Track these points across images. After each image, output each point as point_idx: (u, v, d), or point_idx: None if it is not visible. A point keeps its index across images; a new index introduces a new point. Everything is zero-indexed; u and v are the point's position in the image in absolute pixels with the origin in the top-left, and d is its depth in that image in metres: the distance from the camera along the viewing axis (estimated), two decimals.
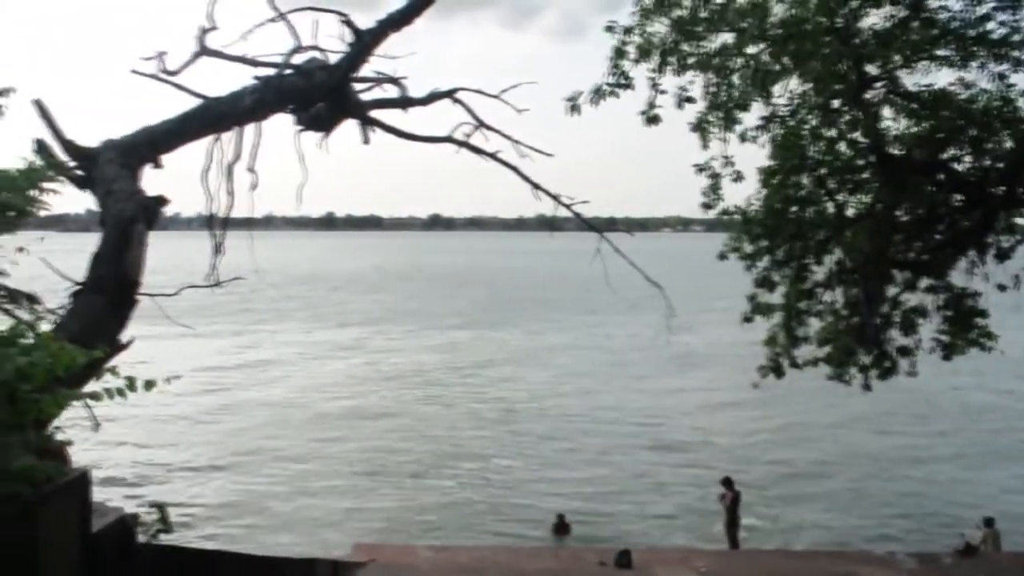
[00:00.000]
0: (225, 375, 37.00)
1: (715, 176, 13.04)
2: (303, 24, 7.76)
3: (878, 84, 12.48)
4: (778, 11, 11.76)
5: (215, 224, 7.60)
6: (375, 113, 8.32)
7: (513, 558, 15.34)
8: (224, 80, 7.75)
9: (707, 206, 13.46)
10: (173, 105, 7.39)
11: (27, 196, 6.09)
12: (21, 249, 6.65)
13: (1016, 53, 11.42)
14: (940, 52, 11.91)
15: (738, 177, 13.00)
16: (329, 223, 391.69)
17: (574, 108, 11.13)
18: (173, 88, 7.50)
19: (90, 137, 6.99)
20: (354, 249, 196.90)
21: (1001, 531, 16.72)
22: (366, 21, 7.81)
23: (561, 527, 18.47)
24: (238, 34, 7.68)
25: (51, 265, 6.34)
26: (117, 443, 22.85)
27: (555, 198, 8.30)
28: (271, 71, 7.65)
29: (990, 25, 11.58)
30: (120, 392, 4.10)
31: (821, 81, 12.11)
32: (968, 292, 13.42)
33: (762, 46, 11.77)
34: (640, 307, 44.12)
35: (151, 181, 7.03)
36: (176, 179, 7.59)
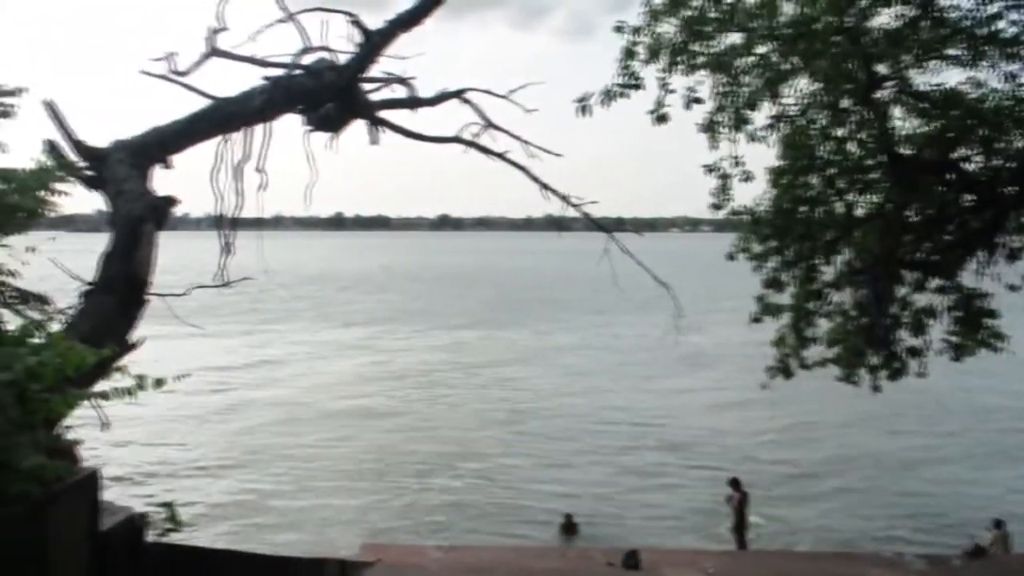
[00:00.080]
0: (234, 374, 37.11)
1: (724, 177, 13.02)
2: (312, 25, 7.78)
3: (888, 84, 12.43)
4: (788, 10, 11.72)
5: (224, 224, 7.61)
6: (384, 113, 8.33)
7: (521, 558, 15.34)
8: (233, 81, 7.77)
9: (716, 207, 13.44)
10: (183, 105, 7.42)
11: (37, 197, 6.12)
12: (31, 249, 6.68)
13: None
14: (950, 51, 11.85)
15: (747, 177, 12.98)
16: (338, 223, 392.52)
17: (584, 109, 11.13)
18: (183, 88, 7.52)
19: (100, 137, 7.02)
20: (362, 249, 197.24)
21: (1011, 533, 16.65)
22: (375, 21, 7.82)
23: (569, 527, 18.46)
24: (247, 35, 7.70)
25: (61, 265, 6.37)
26: (125, 442, 22.92)
27: (563, 198, 8.29)
28: (280, 71, 7.67)
29: (1001, 24, 11.52)
30: (129, 392, 4.12)
31: (830, 81, 12.07)
32: (978, 293, 13.35)
33: (771, 46, 11.74)
34: (648, 307, 44.19)
35: (161, 181, 7.05)
36: (185, 179, 7.61)
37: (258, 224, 8.71)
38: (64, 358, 3.93)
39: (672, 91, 11.52)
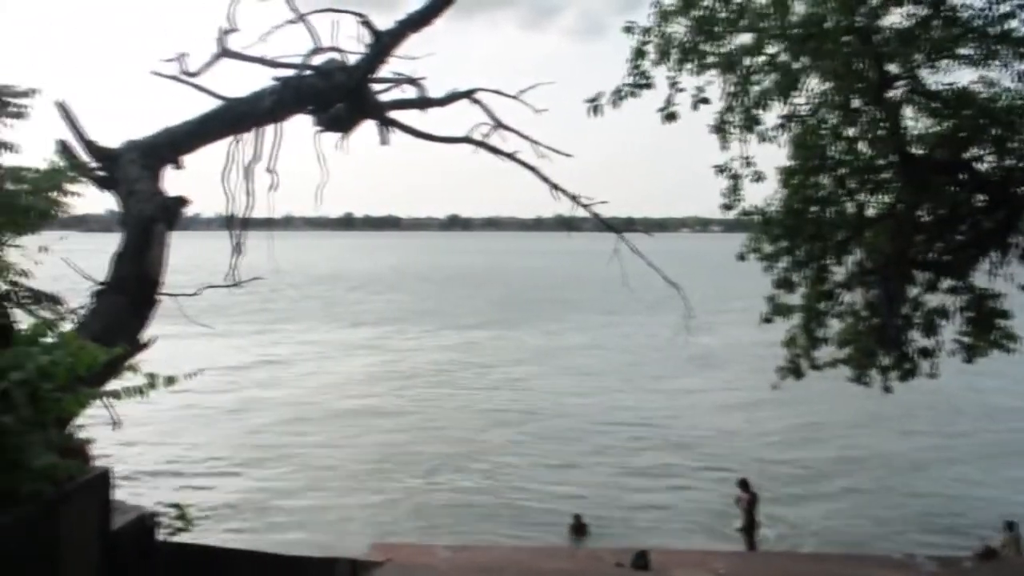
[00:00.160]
0: (243, 374, 37.23)
1: (735, 177, 13.00)
2: (322, 25, 7.80)
3: (899, 83, 12.38)
4: (798, 10, 11.69)
5: (235, 224, 7.64)
6: (394, 114, 8.34)
7: (530, 558, 15.35)
8: (244, 81, 7.79)
9: (727, 207, 13.41)
10: (194, 106, 7.45)
11: (50, 198, 6.15)
12: (44, 249, 6.71)
13: None
14: (962, 51, 11.80)
15: (758, 178, 12.95)
16: (348, 223, 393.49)
17: (595, 109, 11.12)
18: (193, 89, 7.55)
19: (112, 138, 7.05)
20: (372, 249, 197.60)
21: (1023, 535, 16.55)
22: (385, 22, 7.83)
23: (578, 528, 18.45)
24: (258, 35, 7.72)
25: (73, 265, 6.40)
26: (135, 441, 22.97)
27: (573, 198, 8.28)
28: (290, 72, 7.69)
29: (1013, 23, 11.46)
30: (140, 391, 4.13)
31: (841, 80, 12.03)
32: (990, 293, 13.29)
33: (782, 45, 11.71)
34: (658, 308, 44.10)
35: (172, 182, 7.08)
36: (196, 180, 7.63)
37: (268, 224, 8.73)
38: (76, 357, 3.95)
39: (682, 90, 11.52)
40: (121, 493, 4.98)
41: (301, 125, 7.99)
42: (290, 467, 23.55)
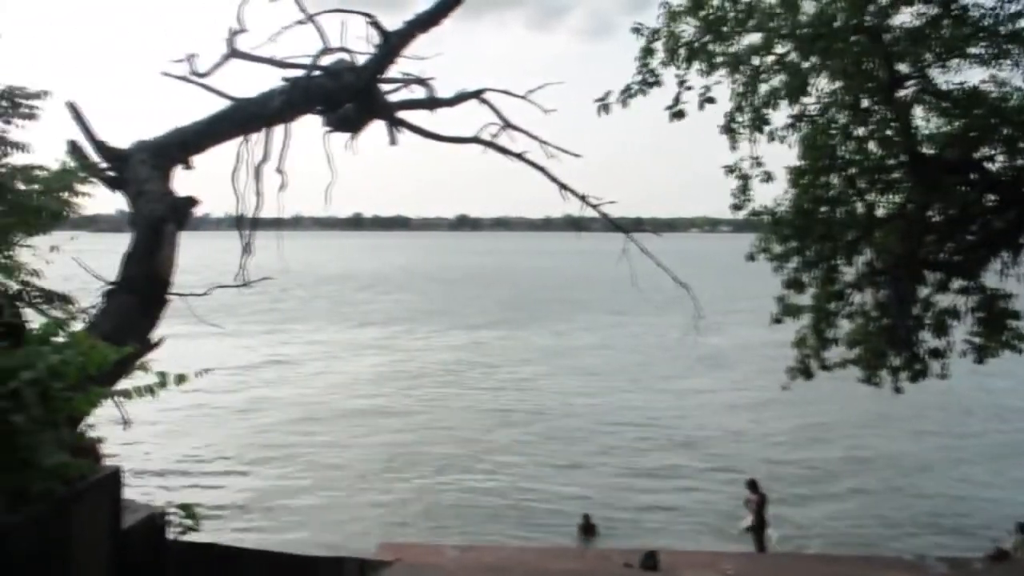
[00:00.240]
0: (252, 373, 37.34)
1: (744, 177, 12.98)
2: (331, 26, 7.80)
3: (910, 82, 12.35)
4: (808, 9, 11.67)
5: (244, 224, 7.65)
6: (402, 114, 8.34)
7: (539, 558, 15.35)
8: (253, 82, 7.81)
9: (736, 207, 13.40)
10: (203, 107, 7.46)
11: (61, 198, 6.17)
12: (54, 248, 6.75)
13: None
14: (972, 50, 11.76)
15: (768, 178, 12.93)
16: (357, 223, 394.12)
17: (604, 108, 11.11)
18: (203, 90, 7.57)
19: (122, 138, 7.08)
20: (381, 249, 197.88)
21: None
22: (394, 22, 7.84)
23: (587, 528, 18.43)
24: (267, 36, 7.73)
25: (84, 265, 6.42)
26: (144, 439, 23.07)
27: (582, 198, 8.27)
28: (299, 72, 7.70)
29: (1023, 23, 11.42)
30: (151, 389, 4.14)
31: (851, 79, 12.01)
32: (1001, 293, 13.23)
33: (791, 45, 11.70)
34: (667, 308, 44.03)
35: (182, 182, 7.10)
36: (206, 180, 7.65)
37: (277, 224, 8.75)
38: (87, 356, 3.96)
39: (689, 88, 11.49)
40: (130, 492, 5.00)
41: (310, 125, 8.01)
42: (298, 466, 23.60)
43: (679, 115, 11.32)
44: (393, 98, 8.31)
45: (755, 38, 11.93)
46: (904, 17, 12.03)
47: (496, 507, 20.42)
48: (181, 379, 4.17)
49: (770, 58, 11.90)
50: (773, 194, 13.76)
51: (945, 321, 13.50)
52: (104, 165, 6.83)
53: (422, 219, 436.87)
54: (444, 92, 8.31)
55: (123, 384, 4.78)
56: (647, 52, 11.59)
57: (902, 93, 12.47)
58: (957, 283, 13.47)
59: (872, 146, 13.12)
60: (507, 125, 8.19)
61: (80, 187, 6.32)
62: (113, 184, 6.86)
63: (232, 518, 19.15)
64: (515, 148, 8.20)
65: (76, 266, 6.51)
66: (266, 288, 9.41)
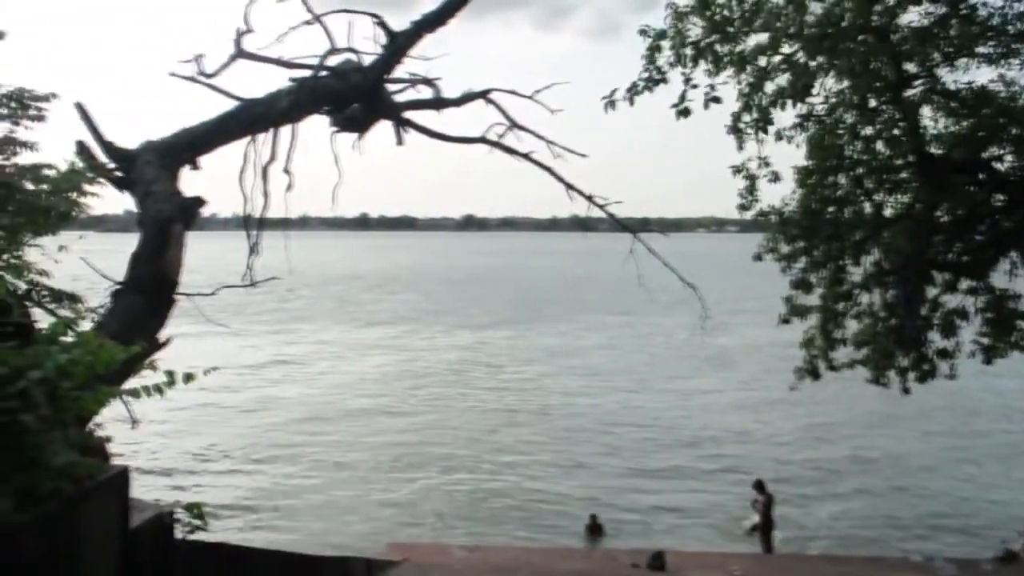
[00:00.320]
0: (259, 372, 37.43)
1: (751, 177, 12.95)
2: (338, 26, 7.82)
3: (917, 82, 12.32)
4: (816, 9, 11.64)
5: (251, 224, 7.67)
6: (409, 114, 8.35)
7: (546, 559, 15.34)
8: (260, 82, 7.83)
9: (743, 207, 13.37)
10: (210, 107, 7.48)
11: (69, 199, 6.20)
12: (62, 248, 6.77)
13: None
14: (980, 49, 11.72)
15: (775, 178, 12.90)
16: (363, 223, 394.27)
17: (611, 104, 11.08)
18: (210, 90, 7.58)
19: (129, 139, 7.10)
20: (388, 249, 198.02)
21: None
22: (400, 23, 7.84)
23: (594, 528, 18.42)
24: (274, 37, 7.75)
25: (92, 265, 6.44)
26: (151, 438, 23.16)
27: (589, 198, 8.27)
28: (306, 73, 7.71)
29: None
30: (158, 389, 4.15)
31: (858, 79, 11.98)
32: (1010, 294, 13.19)
33: (798, 44, 11.67)
34: (674, 308, 44.02)
35: (189, 182, 7.12)
36: (213, 180, 7.68)
37: (284, 224, 8.77)
38: (95, 356, 3.97)
39: (695, 86, 11.46)
40: (138, 491, 5.01)
41: (317, 126, 8.02)
42: (304, 466, 23.63)
43: (685, 113, 11.27)
44: (400, 98, 8.32)
45: (762, 38, 11.90)
46: (912, 16, 12.01)
47: (503, 507, 20.42)
48: (189, 378, 4.18)
49: (777, 58, 11.87)
50: (780, 194, 13.75)
51: (953, 321, 13.47)
52: (112, 165, 6.85)
53: (429, 219, 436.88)
54: (450, 92, 8.32)
55: (131, 383, 4.79)
56: (654, 49, 11.55)
57: (910, 93, 12.44)
58: (965, 283, 13.44)
59: (880, 146, 13.09)
60: (514, 125, 8.19)
61: (88, 187, 6.34)
62: (121, 184, 6.89)
63: (239, 517, 19.20)
64: (522, 148, 8.21)
65: (84, 266, 6.53)
66: (273, 288, 9.43)
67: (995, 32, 11.56)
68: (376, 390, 34.31)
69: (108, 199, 6.82)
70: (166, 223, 6.41)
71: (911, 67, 12.26)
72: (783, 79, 12.00)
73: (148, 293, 6.22)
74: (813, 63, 11.77)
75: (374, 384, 35.69)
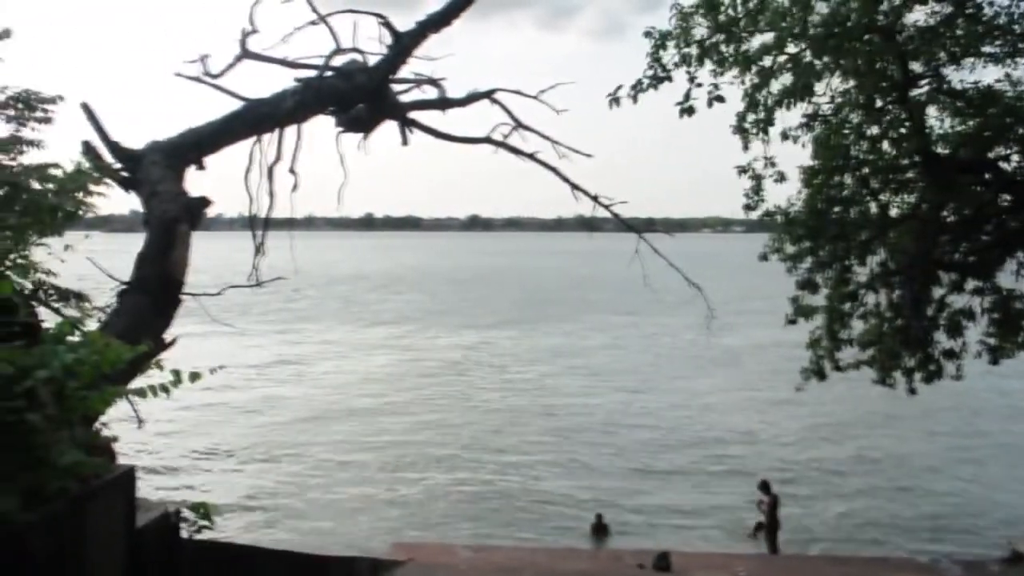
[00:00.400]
0: (265, 372, 37.49)
1: (757, 177, 12.93)
2: (343, 26, 7.82)
3: (923, 81, 12.29)
4: (821, 9, 11.62)
5: (256, 225, 7.67)
6: (414, 114, 8.36)
7: (551, 559, 15.32)
8: (265, 83, 7.83)
9: (749, 207, 13.34)
10: (215, 108, 7.49)
11: (76, 198, 6.21)
12: (68, 247, 6.79)
13: None
14: (987, 48, 11.69)
15: (780, 178, 12.88)
16: (369, 224, 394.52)
17: (615, 101, 11.05)
18: (216, 91, 7.59)
19: (135, 139, 7.11)
20: (393, 249, 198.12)
21: None
22: (405, 23, 7.85)
23: (600, 528, 18.41)
24: (279, 37, 7.76)
25: (98, 264, 6.46)
26: (156, 437, 23.21)
27: (594, 199, 8.26)
28: (312, 73, 7.72)
29: None
30: (164, 388, 4.15)
31: (864, 78, 11.95)
32: (1016, 294, 13.15)
33: (803, 45, 11.64)
34: (679, 308, 43.94)
35: (194, 182, 7.13)
36: (219, 180, 7.68)
37: (290, 224, 8.77)
38: (101, 355, 3.98)
39: (699, 85, 11.43)
40: (143, 490, 5.02)
41: (322, 126, 8.03)
42: (309, 465, 23.66)
43: (689, 111, 11.23)
44: (405, 98, 8.33)
45: (767, 37, 11.88)
46: (918, 16, 11.98)
47: (508, 507, 20.42)
48: (195, 377, 4.19)
49: (782, 57, 11.85)
50: (786, 194, 13.72)
51: (960, 322, 13.43)
52: (118, 166, 6.87)
53: (434, 219, 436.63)
54: (455, 92, 8.32)
55: (137, 383, 4.80)
56: (659, 46, 11.52)
57: (916, 92, 12.41)
58: (972, 284, 13.40)
59: (886, 146, 13.07)
60: (519, 125, 8.19)
61: (94, 187, 6.36)
62: (127, 184, 6.90)
63: (244, 516, 19.23)
64: (527, 148, 8.20)
65: (90, 266, 6.55)
66: (278, 288, 9.44)
67: (1001, 31, 11.53)
68: (381, 390, 34.33)
69: (114, 199, 6.84)
70: (172, 223, 6.42)
71: (917, 67, 12.23)
72: (787, 78, 11.98)
73: (154, 293, 6.24)
74: (819, 63, 11.75)
75: (379, 384, 35.71)
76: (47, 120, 7.46)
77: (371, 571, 10.22)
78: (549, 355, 43.92)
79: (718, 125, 12.79)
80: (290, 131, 7.64)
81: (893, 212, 13.58)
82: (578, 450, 25.36)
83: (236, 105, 7.47)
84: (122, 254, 7.60)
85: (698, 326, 10.37)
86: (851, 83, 12.36)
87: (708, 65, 11.65)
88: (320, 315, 61.24)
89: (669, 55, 11.51)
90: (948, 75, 12.32)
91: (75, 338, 4.27)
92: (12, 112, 7.37)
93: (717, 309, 9.57)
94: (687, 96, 11.18)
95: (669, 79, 11.39)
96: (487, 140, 8.29)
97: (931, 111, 12.89)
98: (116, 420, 5.57)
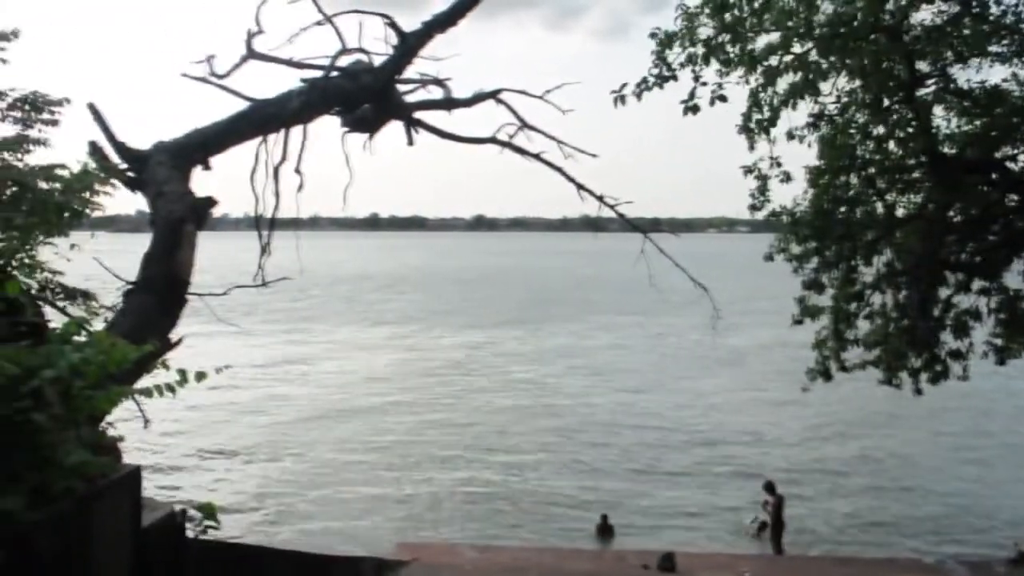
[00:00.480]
0: (270, 371, 37.53)
1: (763, 177, 12.90)
2: (348, 27, 7.83)
3: (930, 81, 12.26)
4: (827, 9, 11.59)
5: (262, 225, 7.69)
6: (420, 114, 8.35)
7: (556, 559, 15.32)
8: (271, 83, 7.84)
9: (755, 207, 13.32)
10: (221, 108, 7.50)
11: (82, 198, 6.22)
12: (74, 247, 6.80)
13: None
14: (993, 48, 11.66)
15: (786, 178, 12.85)
16: (374, 224, 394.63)
17: (621, 99, 11.03)
18: (222, 91, 7.60)
19: (141, 139, 7.13)
20: (398, 249, 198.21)
21: None
22: (411, 23, 7.84)
23: (605, 529, 18.40)
24: (285, 37, 7.77)
25: (104, 264, 6.47)
26: (161, 436, 23.26)
27: (599, 199, 8.25)
28: (317, 73, 7.72)
29: None
30: (170, 387, 4.16)
31: (870, 78, 11.92)
32: (1023, 294, 13.10)
33: (809, 44, 11.62)
34: (685, 308, 43.89)
35: (200, 182, 7.13)
36: (224, 181, 7.69)
37: (295, 224, 8.77)
38: (107, 355, 3.98)
39: (704, 84, 11.38)
40: (149, 489, 5.03)
41: (328, 126, 8.03)
42: (314, 464, 23.68)
43: (694, 110, 11.18)
44: (410, 99, 8.32)
45: (773, 37, 11.85)
46: (924, 15, 11.95)
47: (513, 507, 20.41)
48: (201, 376, 4.19)
49: (788, 57, 11.82)
50: (792, 194, 13.69)
51: (966, 322, 13.39)
52: (124, 166, 6.88)
53: (439, 219, 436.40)
54: (461, 92, 8.31)
55: (143, 382, 4.81)
56: (664, 45, 11.49)
57: (922, 92, 12.38)
58: (978, 284, 13.36)
59: (892, 145, 13.04)
60: (524, 125, 8.17)
61: (100, 187, 6.37)
62: (133, 185, 6.91)
63: (248, 516, 19.26)
64: (532, 148, 8.19)
65: (96, 265, 6.56)
66: (284, 288, 9.44)
67: (1008, 31, 11.49)
68: (385, 390, 34.34)
69: (120, 199, 6.85)
70: (178, 223, 6.43)
71: (923, 66, 12.20)
72: (792, 77, 11.94)
73: (160, 293, 6.24)
74: (825, 63, 11.72)
75: (384, 384, 35.73)
76: (54, 123, 7.48)
77: (376, 571, 10.21)
78: (554, 355, 43.91)
79: (723, 125, 12.78)
80: (296, 131, 7.65)
81: (899, 212, 13.55)
82: (583, 450, 25.34)
83: (242, 105, 7.47)
84: (128, 254, 7.61)
85: (704, 326, 10.35)
86: (857, 83, 12.33)
87: (714, 65, 11.62)
88: (325, 315, 61.31)
89: (674, 55, 11.48)
90: (955, 74, 12.30)
91: (81, 338, 4.27)
92: (19, 114, 7.39)
93: (723, 309, 9.54)
94: (691, 95, 11.15)
95: (674, 78, 11.36)
96: (492, 140, 8.28)
97: (938, 111, 12.86)
98: (122, 420, 5.59)
